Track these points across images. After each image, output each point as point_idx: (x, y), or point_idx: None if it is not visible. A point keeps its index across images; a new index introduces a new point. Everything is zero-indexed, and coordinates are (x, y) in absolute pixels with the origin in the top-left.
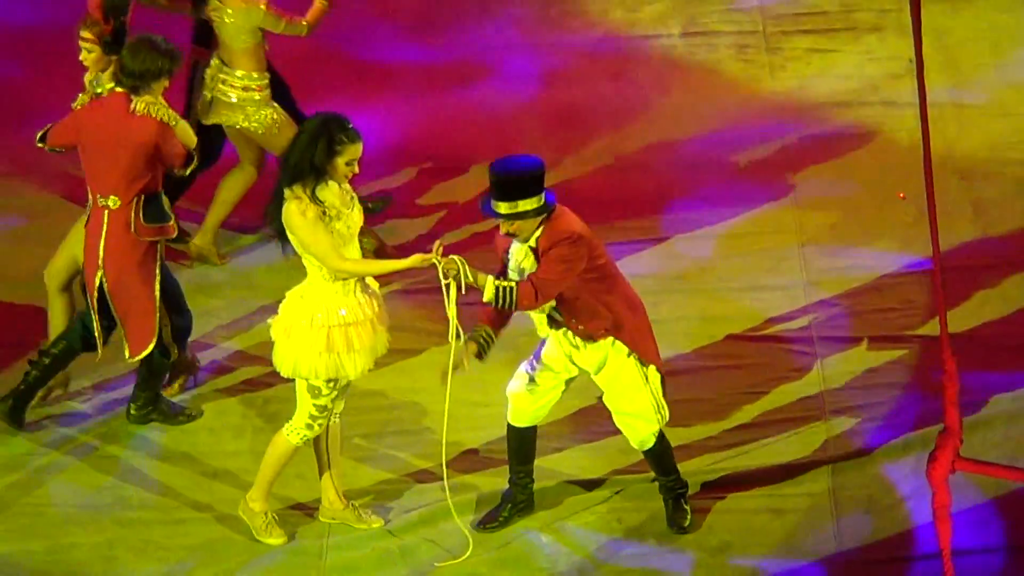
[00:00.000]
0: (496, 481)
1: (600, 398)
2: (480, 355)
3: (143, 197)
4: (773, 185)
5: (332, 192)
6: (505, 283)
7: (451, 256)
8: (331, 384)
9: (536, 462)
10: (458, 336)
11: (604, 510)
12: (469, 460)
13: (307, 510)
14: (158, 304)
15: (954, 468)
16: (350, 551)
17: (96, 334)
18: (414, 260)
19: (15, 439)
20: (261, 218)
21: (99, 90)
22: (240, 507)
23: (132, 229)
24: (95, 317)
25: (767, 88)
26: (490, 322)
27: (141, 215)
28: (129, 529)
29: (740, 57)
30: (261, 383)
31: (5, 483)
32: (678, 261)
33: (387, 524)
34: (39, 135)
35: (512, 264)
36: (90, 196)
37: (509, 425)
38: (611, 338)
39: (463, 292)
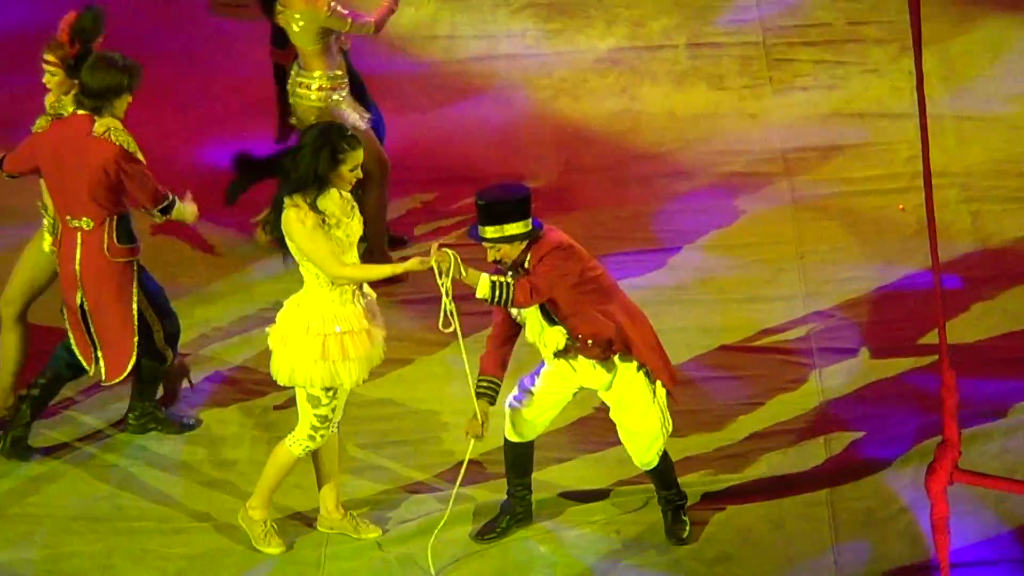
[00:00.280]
0: (494, 492)
1: (598, 408)
2: (491, 403)
3: (116, 218)
4: (773, 196)
5: (332, 201)
6: (502, 279)
7: (444, 249)
8: (329, 393)
9: (535, 473)
10: (448, 324)
11: (602, 521)
12: (468, 471)
13: (305, 519)
14: (136, 325)
15: (952, 480)
16: (348, 561)
17: (79, 355)
18: (412, 264)
19: None
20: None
21: (61, 112)
22: (240, 515)
23: (106, 250)
24: (73, 338)
25: (769, 100)
26: (493, 369)
27: (115, 236)
28: (127, 538)
29: (743, 70)
30: (259, 392)
31: (3, 491)
32: (677, 272)
33: (385, 534)
34: None
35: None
36: (57, 218)
37: (507, 441)
38: (619, 354)
39: (455, 277)
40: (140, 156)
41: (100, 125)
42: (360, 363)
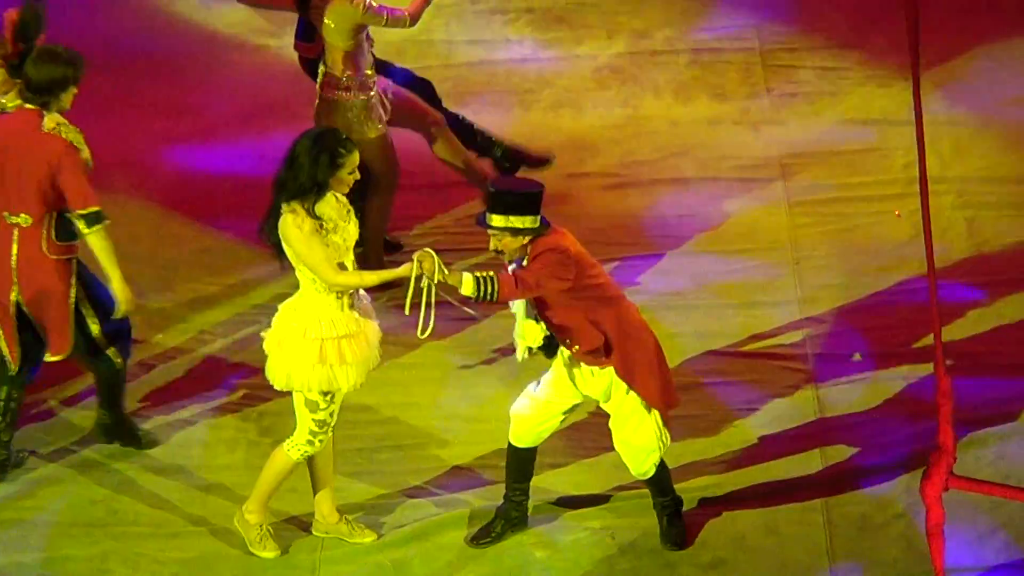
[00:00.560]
0: (489, 497)
1: (593, 414)
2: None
3: (55, 215)
4: (769, 202)
5: (330, 205)
6: (485, 273)
7: (426, 249)
8: (327, 397)
9: None
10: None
11: (597, 526)
12: (462, 476)
13: (300, 524)
14: (72, 316)
15: (948, 486)
16: (343, 565)
17: (8, 354)
18: (404, 270)
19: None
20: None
21: (4, 110)
22: (236, 518)
23: (44, 248)
24: (2, 334)
25: (767, 106)
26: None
27: (53, 233)
28: (122, 542)
29: (743, 78)
30: (255, 396)
31: None
32: (674, 277)
33: (380, 538)
34: None
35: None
36: None
37: (510, 444)
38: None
39: (438, 280)
40: (87, 154)
41: (50, 120)
42: (358, 367)
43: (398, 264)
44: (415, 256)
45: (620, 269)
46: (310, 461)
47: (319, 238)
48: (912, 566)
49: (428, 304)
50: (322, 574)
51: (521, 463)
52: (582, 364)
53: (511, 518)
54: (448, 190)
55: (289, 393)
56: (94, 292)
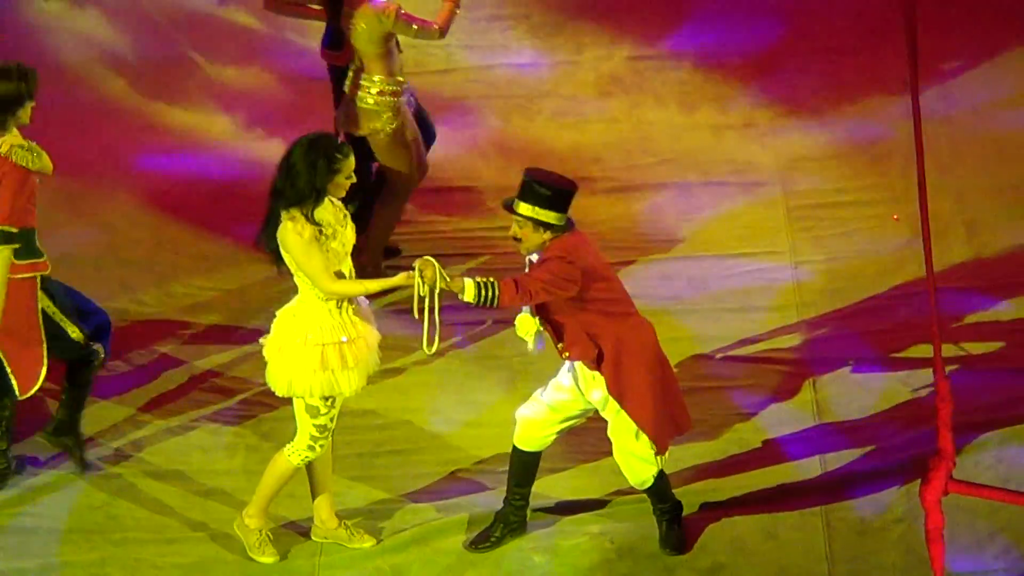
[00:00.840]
0: (488, 501)
1: (592, 419)
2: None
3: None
4: (767, 206)
5: (327, 211)
6: (486, 279)
7: (426, 257)
8: (328, 402)
9: None
10: (432, 342)
11: (596, 530)
12: (461, 481)
13: (299, 529)
14: (42, 333)
15: (947, 490)
16: (342, 570)
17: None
18: (401, 278)
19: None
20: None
21: None
22: (235, 523)
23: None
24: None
25: (767, 113)
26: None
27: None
28: (121, 548)
29: (744, 86)
30: (254, 402)
31: None
32: (672, 282)
33: (379, 543)
34: None
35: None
36: None
37: (515, 448)
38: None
39: (440, 288)
40: (48, 169)
41: (4, 144)
42: (359, 372)
43: (397, 270)
44: (416, 264)
45: (621, 274)
46: (309, 466)
47: (318, 246)
48: (911, 570)
49: (432, 317)
50: None
51: (525, 467)
52: (583, 367)
53: (510, 523)
54: (447, 195)
55: (287, 398)
56: (68, 300)
